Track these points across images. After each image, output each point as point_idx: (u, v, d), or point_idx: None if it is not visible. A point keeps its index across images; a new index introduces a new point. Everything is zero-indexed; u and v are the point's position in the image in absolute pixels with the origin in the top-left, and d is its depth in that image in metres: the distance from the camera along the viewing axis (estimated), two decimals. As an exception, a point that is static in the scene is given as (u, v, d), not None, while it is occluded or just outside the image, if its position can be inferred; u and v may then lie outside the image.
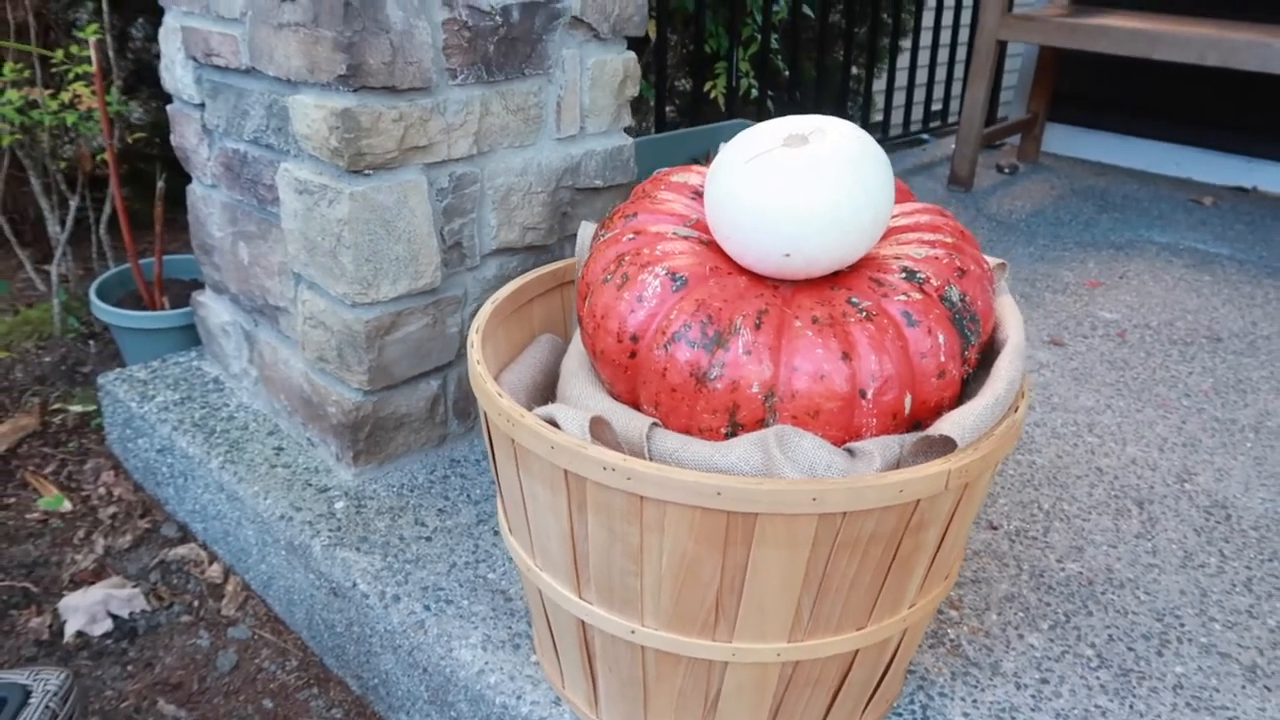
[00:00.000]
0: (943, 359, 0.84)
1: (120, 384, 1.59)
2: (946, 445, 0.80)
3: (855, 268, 0.91)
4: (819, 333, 0.82)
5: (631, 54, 1.45)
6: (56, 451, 1.67)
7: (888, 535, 0.80)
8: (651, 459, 0.85)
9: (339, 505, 1.31)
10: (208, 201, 1.50)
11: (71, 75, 1.72)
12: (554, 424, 0.81)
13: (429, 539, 1.25)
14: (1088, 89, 3.21)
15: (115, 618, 1.33)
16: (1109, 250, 2.47)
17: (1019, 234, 2.57)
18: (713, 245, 0.93)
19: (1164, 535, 1.35)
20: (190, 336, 1.71)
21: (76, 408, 1.75)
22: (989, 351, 0.94)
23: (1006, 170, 3.08)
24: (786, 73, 2.98)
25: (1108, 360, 1.88)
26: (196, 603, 1.37)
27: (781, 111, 2.88)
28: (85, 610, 1.32)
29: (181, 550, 1.46)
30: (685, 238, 0.93)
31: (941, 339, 0.84)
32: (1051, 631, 1.16)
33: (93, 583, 1.38)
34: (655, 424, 0.86)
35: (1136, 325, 2.04)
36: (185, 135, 1.49)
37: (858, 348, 0.82)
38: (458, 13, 1.21)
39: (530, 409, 0.97)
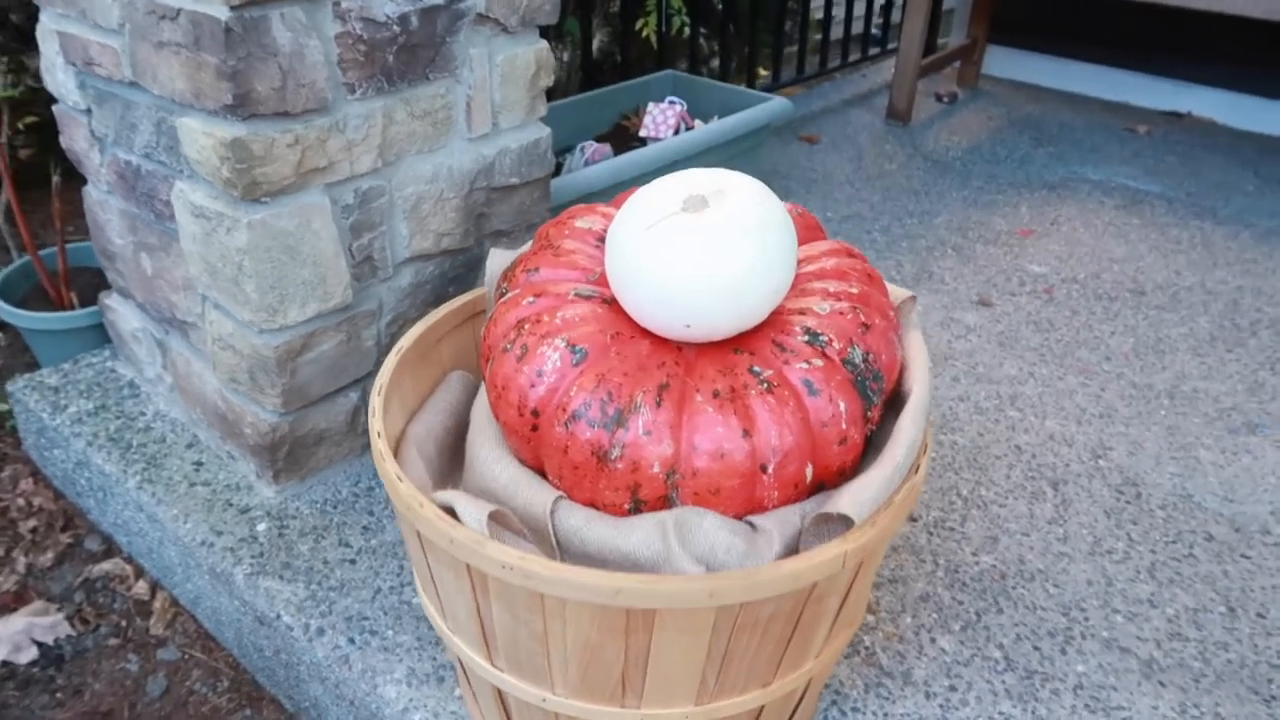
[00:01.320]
0: (844, 426, 0.84)
1: (30, 392, 1.55)
2: (844, 523, 0.81)
3: (759, 326, 0.90)
4: (720, 409, 0.82)
5: (543, 43, 1.38)
6: (-28, 458, 1.62)
7: (786, 613, 0.81)
8: (556, 536, 0.85)
9: (261, 528, 1.30)
10: (105, 207, 1.43)
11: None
12: (453, 513, 0.81)
13: (353, 561, 1.26)
14: (1026, 12, 3.15)
15: (40, 645, 1.32)
16: (1042, 191, 2.47)
17: (954, 175, 2.56)
18: (615, 305, 0.91)
19: (1076, 520, 1.40)
20: (103, 333, 1.66)
21: (-11, 409, 1.70)
22: (895, 396, 0.94)
23: (945, 100, 3.04)
24: (720, 5, 2.88)
25: (1033, 321, 1.91)
26: (124, 622, 1.37)
27: (714, 49, 2.80)
28: (8, 639, 1.31)
29: (106, 565, 1.44)
30: (588, 298, 0.91)
31: (843, 406, 0.84)
32: (963, 633, 1.20)
33: (15, 607, 1.37)
34: (560, 498, 0.85)
35: (1064, 279, 2.06)
36: (74, 139, 1.41)
37: (758, 423, 0.82)
38: (351, 26, 1.14)
39: (438, 464, 0.97)
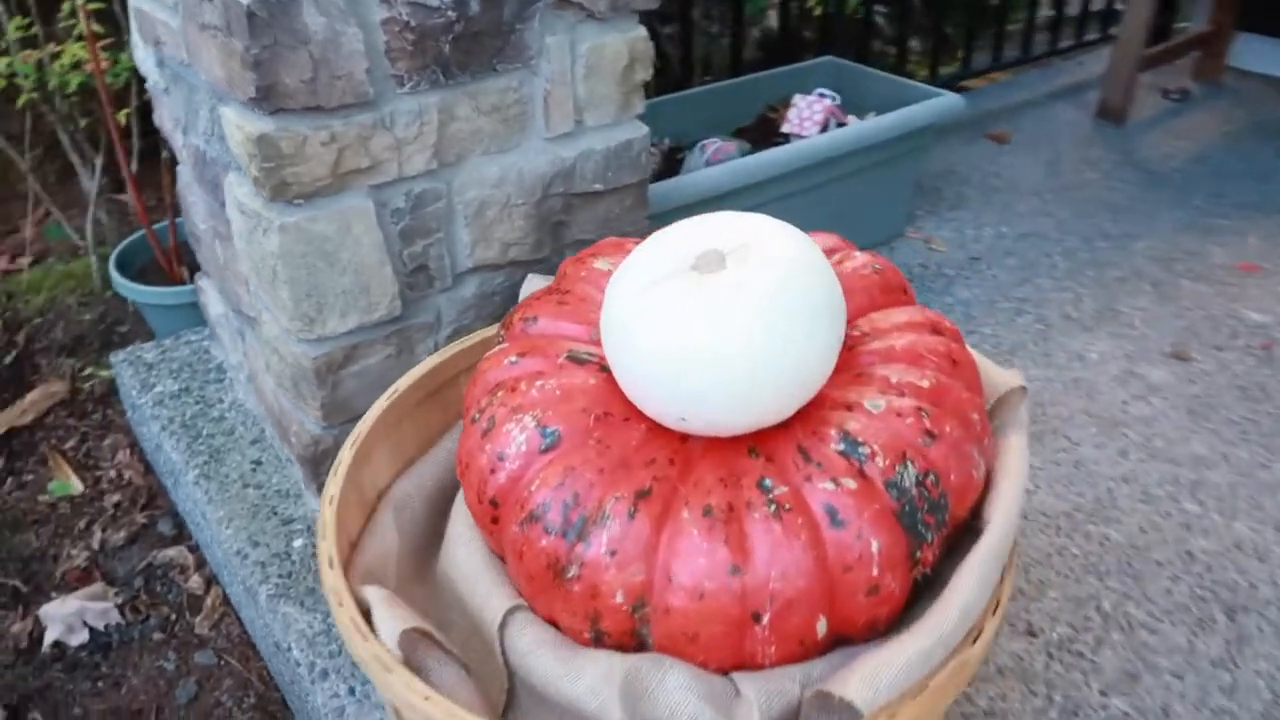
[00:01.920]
0: (875, 572, 0.64)
1: (127, 366, 1.55)
2: (850, 712, 0.61)
3: (788, 421, 0.70)
4: (708, 532, 0.63)
5: (641, 31, 1.21)
6: (81, 424, 1.66)
7: None
8: (505, 656, 0.69)
9: (296, 544, 1.22)
10: (190, 189, 1.39)
11: (75, 33, 1.63)
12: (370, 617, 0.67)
13: (378, 596, 1.16)
14: (1296, -4, 2.64)
15: (92, 629, 1.31)
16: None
17: (1169, 190, 2.17)
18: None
19: (1252, 666, 1.10)
20: (208, 310, 1.65)
21: (106, 373, 1.74)
22: (973, 523, 0.72)
23: (1175, 96, 2.60)
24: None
25: (1241, 385, 1.56)
26: (174, 616, 1.34)
27: (896, 31, 2.49)
28: (63, 620, 1.31)
29: (171, 552, 1.43)
30: (583, 363, 0.74)
31: (876, 545, 0.64)
32: (1066, 798, 0.96)
33: (77, 586, 1.37)
34: (516, 609, 0.70)
35: (1292, 334, 1.69)
36: (162, 118, 1.37)
37: (754, 557, 0.63)
38: (397, 11, 1.01)
39: (424, 526, 0.84)
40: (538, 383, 0.72)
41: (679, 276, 0.65)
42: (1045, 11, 2.74)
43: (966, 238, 1.99)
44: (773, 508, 0.64)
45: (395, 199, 1.11)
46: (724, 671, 0.65)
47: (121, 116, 1.66)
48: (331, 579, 0.69)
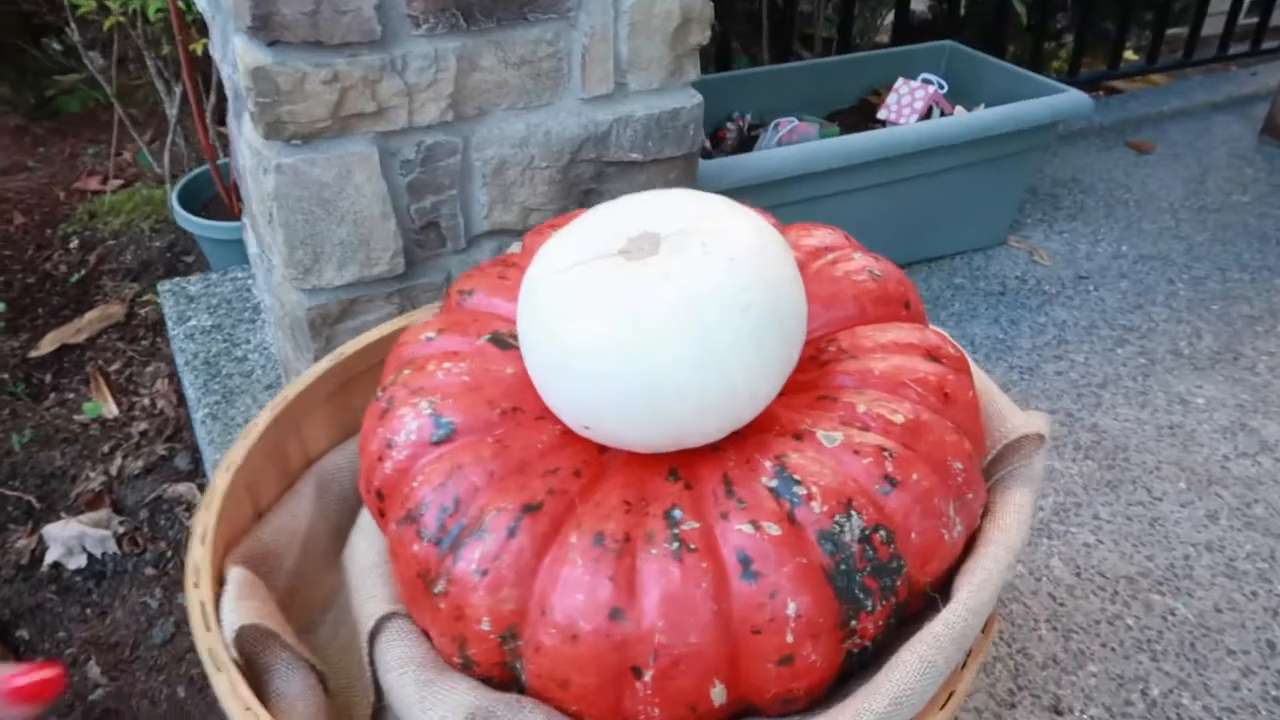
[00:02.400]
0: (791, 639, 0.52)
1: (170, 296, 1.55)
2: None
3: (723, 443, 0.59)
4: (593, 564, 0.53)
5: (697, -13, 1.09)
6: (129, 348, 1.68)
7: None
8: (373, 667, 0.61)
9: (283, 498, 1.18)
10: (231, 124, 1.36)
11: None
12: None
13: (350, 564, 1.10)
14: None
15: (90, 555, 1.31)
16: None
17: (1330, 224, 1.90)
18: (538, 365, 0.64)
19: (1320, 790, 0.92)
20: (259, 249, 1.63)
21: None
22: (944, 592, 0.59)
23: (1358, 120, 2.28)
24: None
25: (1374, 456, 1.33)
26: (169, 553, 1.33)
27: (1034, 20, 2.25)
28: (63, 542, 1.31)
29: (181, 488, 1.42)
30: (505, 348, 0.65)
31: (794, 608, 0.52)
32: None
33: (91, 508, 1.37)
34: (392, 616, 0.62)
35: None
36: (213, 48, 1.34)
37: (641, 601, 0.53)
38: (412, -57, 0.93)
39: (356, 495, 0.77)
40: (445, 365, 0.63)
41: (602, 260, 0.55)
42: (1217, 10, 2.45)
43: (1078, 253, 1.79)
44: (675, 545, 0.53)
45: (404, 149, 1.03)
46: (600, 728, 0.55)
47: (198, 47, 1.65)
48: (197, 555, 0.63)
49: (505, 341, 0.65)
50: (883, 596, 0.54)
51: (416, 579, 0.58)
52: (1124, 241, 1.83)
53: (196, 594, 0.60)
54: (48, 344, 1.66)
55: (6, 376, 1.60)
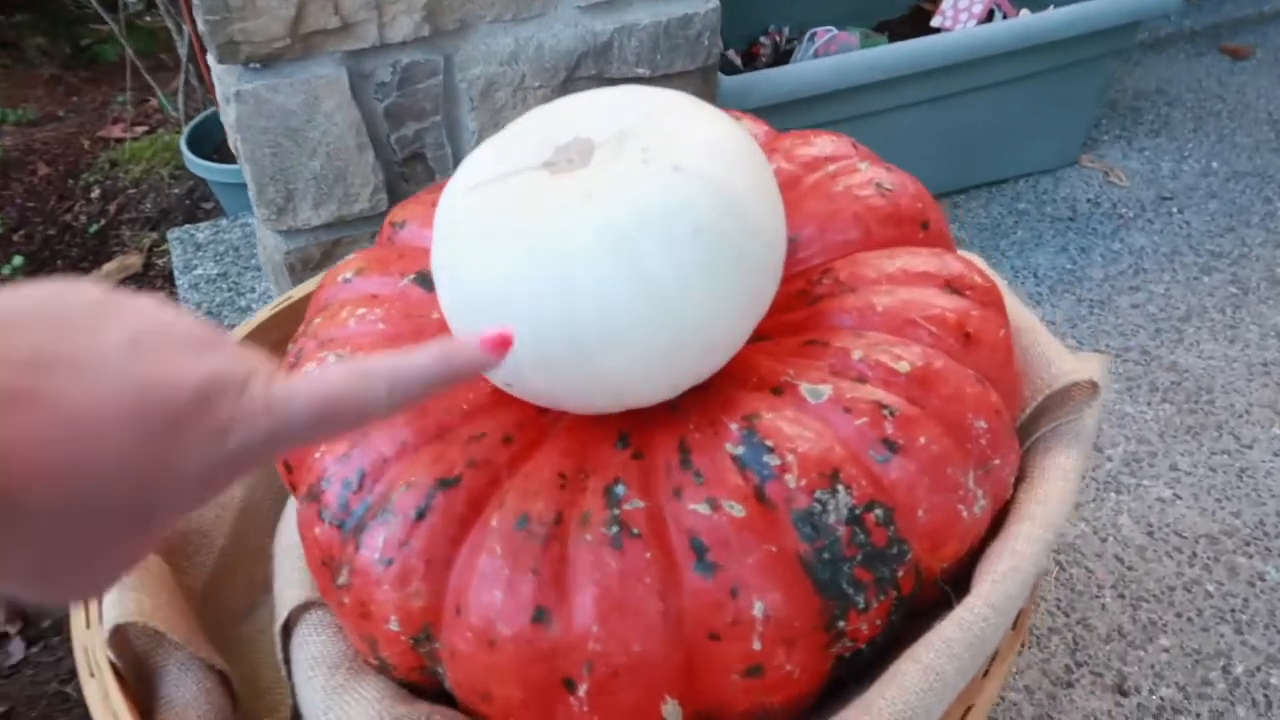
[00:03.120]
0: (758, 645, 0.42)
1: (179, 245, 1.48)
2: None
3: (682, 400, 0.48)
4: (513, 554, 0.43)
5: (706, -127, 0.96)
6: (146, 299, 1.62)
7: None
8: (287, 664, 0.53)
9: (277, 455, 1.11)
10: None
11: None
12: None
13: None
14: None
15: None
16: None
17: None
18: (471, 309, 0.53)
19: None
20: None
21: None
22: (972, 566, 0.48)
23: None
24: None
25: None
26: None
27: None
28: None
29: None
30: (433, 289, 0.54)
31: (761, 608, 0.42)
32: None
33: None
34: (311, 606, 0.53)
35: None
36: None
37: (572, 599, 0.42)
38: None
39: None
40: (360, 311, 0.53)
41: (520, 175, 0.44)
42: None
43: (1160, 172, 1.60)
44: (614, 529, 0.43)
45: (379, 71, 0.93)
46: (535, 746, 0.46)
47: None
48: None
49: (432, 281, 0.54)
50: (879, 590, 0.43)
51: (322, 567, 0.49)
52: (1214, 158, 1.64)
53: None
54: (64, 297, 1.62)
55: (23, 331, 1.56)
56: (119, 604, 0.49)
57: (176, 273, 1.43)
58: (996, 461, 0.47)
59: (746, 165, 0.44)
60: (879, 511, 0.43)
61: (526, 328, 0.42)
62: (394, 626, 0.46)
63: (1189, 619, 0.92)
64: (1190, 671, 0.88)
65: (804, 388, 0.46)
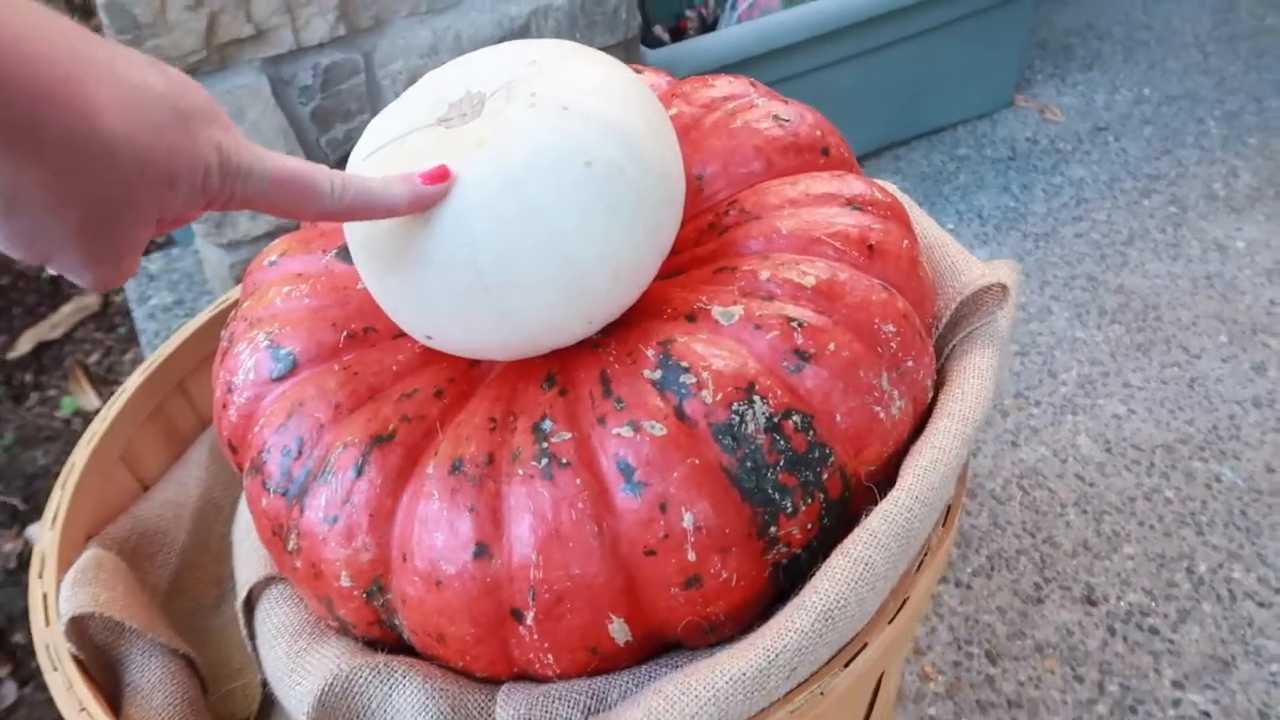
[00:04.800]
0: (692, 556, 0.43)
1: (132, 278, 1.49)
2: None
3: (602, 338, 0.49)
4: (450, 496, 0.45)
5: None
6: (107, 337, 1.63)
7: None
8: (252, 639, 0.54)
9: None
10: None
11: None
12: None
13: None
14: None
15: None
16: None
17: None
18: (394, 276, 0.55)
19: (1400, 656, 0.81)
20: (219, 218, 1.56)
21: (138, 286, 1.69)
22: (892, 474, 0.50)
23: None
24: None
25: None
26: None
27: None
28: (48, 541, 1.27)
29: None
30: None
31: (690, 519, 0.43)
32: (1102, 826, 0.73)
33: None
34: (271, 581, 0.54)
35: None
36: None
37: (509, 531, 0.44)
38: None
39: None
40: (285, 289, 0.54)
41: (415, 133, 0.45)
42: None
43: (1095, 105, 1.63)
44: (544, 461, 0.44)
45: (300, 75, 0.94)
46: (497, 679, 0.47)
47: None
48: (45, 541, 0.55)
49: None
50: (805, 494, 0.45)
51: (273, 537, 0.50)
52: (1146, 85, 1.67)
53: (39, 585, 0.53)
54: (25, 343, 1.62)
55: (-12, 382, 1.56)
56: (74, 599, 0.51)
57: (132, 305, 1.43)
58: (909, 363, 0.49)
59: (635, 102, 0.45)
60: (797, 418, 0.45)
61: (434, 276, 0.43)
62: (346, 582, 0.47)
63: (1151, 526, 0.94)
64: (1155, 575, 0.90)
65: (716, 311, 0.47)
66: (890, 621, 0.45)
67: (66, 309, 1.67)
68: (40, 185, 0.30)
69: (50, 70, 0.29)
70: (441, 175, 0.41)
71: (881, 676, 0.53)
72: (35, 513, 1.34)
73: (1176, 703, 0.80)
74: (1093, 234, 1.34)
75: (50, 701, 1.14)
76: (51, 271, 0.34)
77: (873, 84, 1.42)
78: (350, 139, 0.99)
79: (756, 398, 0.44)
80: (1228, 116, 1.56)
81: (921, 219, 0.60)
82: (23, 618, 1.22)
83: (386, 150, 0.45)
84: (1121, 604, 0.88)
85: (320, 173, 0.39)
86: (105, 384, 1.54)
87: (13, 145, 0.29)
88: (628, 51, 1.08)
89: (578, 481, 0.44)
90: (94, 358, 1.59)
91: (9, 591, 1.25)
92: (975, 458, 1.03)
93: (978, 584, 0.90)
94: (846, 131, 0.62)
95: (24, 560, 1.28)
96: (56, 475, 1.33)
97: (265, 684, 0.55)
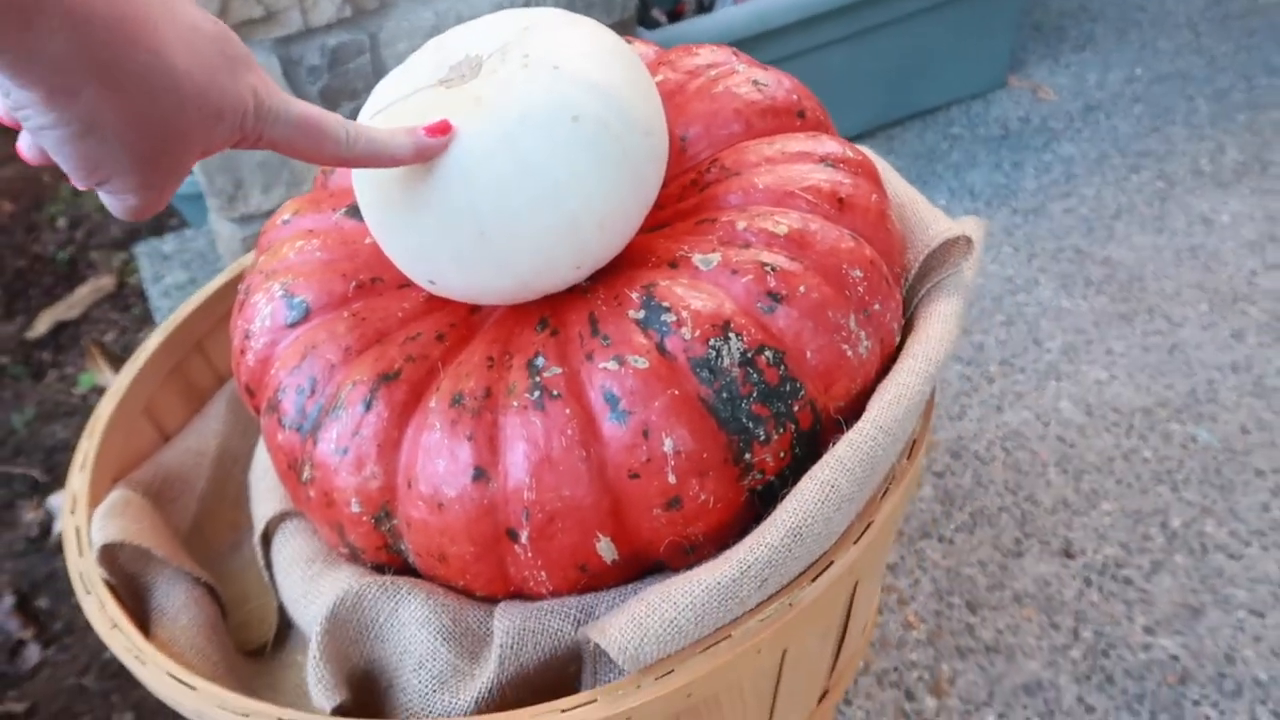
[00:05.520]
0: (673, 479, 0.47)
1: (146, 258, 1.53)
2: (612, 667, 0.46)
3: (591, 285, 0.53)
4: (450, 427, 0.49)
5: None
6: (122, 316, 1.67)
7: None
8: (269, 570, 0.58)
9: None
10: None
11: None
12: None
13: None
14: None
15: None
16: None
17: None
18: (399, 232, 0.59)
19: (1363, 602, 0.85)
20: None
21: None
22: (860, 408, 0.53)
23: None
24: None
25: None
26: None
27: None
28: (69, 510, 1.32)
29: (180, 445, 1.41)
30: (362, 219, 0.59)
31: (671, 445, 0.47)
32: (1073, 760, 0.77)
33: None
34: (287, 515, 0.58)
35: None
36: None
37: (505, 458, 0.48)
38: None
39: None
40: (299, 243, 0.58)
41: (419, 94, 0.49)
42: None
43: (1087, 85, 1.66)
44: (536, 394, 0.48)
45: (308, 55, 0.98)
46: (494, 598, 0.51)
47: None
48: (75, 482, 0.60)
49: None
50: (778, 424, 0.49)
51: (289, 471, 0.54)
52: (1138, 64, 1.70)
53: (72, 520, 0.57)
54: (43, 323, 1.66)
55: (7, 360, 1.61)
56: (105, 529, 0.55)
57: (146, 284, 1.47)
58: (876, 306, 0.52)
59: (621, 65, 0.49)
60: (769, 354, 0.49)
61: (436, 224, 0.47)
62: (356, 509, 0.51)
63: (1128, 484, 0.98)
64: (1131, 530, 0.93)
65: (696, 258, 0.51)
66: (855, 542, 0.49)
67: (83, 290, 1.72)
68: (117, 113, 0.34)
69: (130, 10, 0.32)
70: (443, 129, 0.45)
71: (852, 603, 0.57)
72: (55, 484, 1.39)
73: (1147, 647, 0.84)
74: (1081, 209, 1.38)
75: (73, 661, 1.18)
76: (102, 194, 0.37)
77: (867, 65, 1.46)
78: (356, 117, 1.02)
79: (732, 335, 0.48)
80: (1217, 94, 1.59)
81: (893, 179, 0.64)
82: (46, 583, 1.27)
83: (394, 108, 0.49)
84: (1098, 557, 0.91)
85: (336, 120, 0.43)
86: (121, 361, 1.59)
87: (100, 78, 0.32)
88: (623, 31, 1.12)
89: (567, 411, 0.48)
90: (110, 336, 1.64)
91: (32, 559, 1.30)
92: (960, 421, 1.06)
93: (960, 539, 0.94)
94: (841, 111, 0.66)
95: (45, 529, 1.33)
96: (75, 448, 1.38)
97: (280, 610, 0.59)
